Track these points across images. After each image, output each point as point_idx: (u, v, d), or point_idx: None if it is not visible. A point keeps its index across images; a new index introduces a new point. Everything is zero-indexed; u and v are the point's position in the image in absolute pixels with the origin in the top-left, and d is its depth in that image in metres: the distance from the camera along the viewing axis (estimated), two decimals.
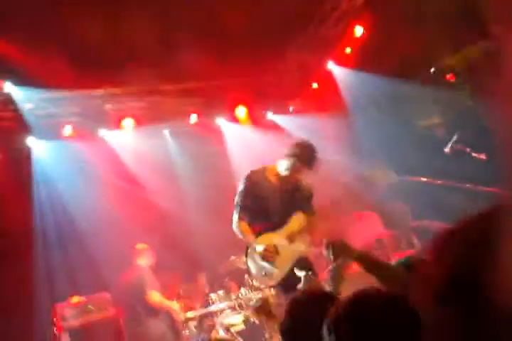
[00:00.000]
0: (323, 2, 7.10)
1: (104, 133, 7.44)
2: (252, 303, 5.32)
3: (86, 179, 6.74)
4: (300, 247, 4.69)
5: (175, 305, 6.33)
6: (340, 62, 7.70)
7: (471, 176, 4.62)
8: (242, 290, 6.52)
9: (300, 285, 3.50)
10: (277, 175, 4.81)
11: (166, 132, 7.90)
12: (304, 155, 4.69)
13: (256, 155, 7.96)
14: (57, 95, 6.82)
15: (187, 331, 6.16)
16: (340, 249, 2.82)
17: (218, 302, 6.42)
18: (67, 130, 7.10)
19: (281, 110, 8.31)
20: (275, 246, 4.61)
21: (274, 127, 8.18)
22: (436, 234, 1.17)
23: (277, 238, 4.68)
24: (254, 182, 4.79)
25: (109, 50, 6.56)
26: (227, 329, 6.08)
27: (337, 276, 2.83)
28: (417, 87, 7.01)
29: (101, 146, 7.30)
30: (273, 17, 7.10)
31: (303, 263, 4.59)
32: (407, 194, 6.90)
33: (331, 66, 7.80)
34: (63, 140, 7.08)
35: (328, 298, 2.24)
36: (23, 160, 6.80)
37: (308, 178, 4.88)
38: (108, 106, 7.35)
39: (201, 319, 6.35)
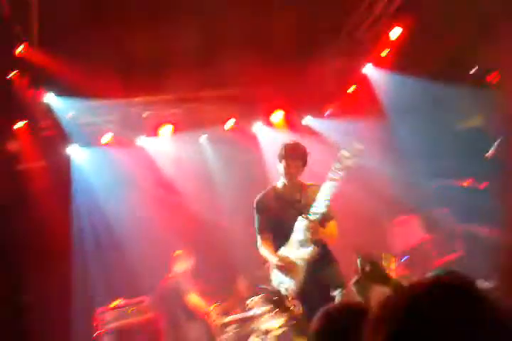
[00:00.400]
0: (359, 6, 7.03)
1: (142, 140, 7.54)
2: None
3: (124, 186, 6.85)
4: (304, 254, 4.52)
5: (212, 310, 6.34)
6: (377, 65, 7.60)
7: None
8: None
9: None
10: (283, 186, 4.76)
11: (203, 138, 7.94)
12: (291, 152, 4.66)
13: None
14: (96, 104, 6.95)
15: (224, 336, 6.14)
16: (375, 274, 2.64)
17: (257, 307, 6.40)
18: (107, 138, 7.23)
19: (318, 114, 8.24)
20: (288, 258, 4.52)
21: (311, 132, 8.12)
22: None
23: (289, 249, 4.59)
24: (264, 204, 4.74)
25: (147, 58, 6.67)
26: (265, 334, 6.06)
27: (365, 290, 2.72)
28: (457, 89, 6.85)
29: (139, 153, 7.40)
30: (309, 22, 7.08)
31: (335, 281, 4.52)
32: (449, 198, 6.75)
33: (368, 69, 7.70)
34: (102, 147, 7.21)
35: (362, 309, 2.17)
36: (63, 167, 6.95)
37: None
38: (146, 114, 7.45)
39: (239, 324, 6.33)
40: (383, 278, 2.64)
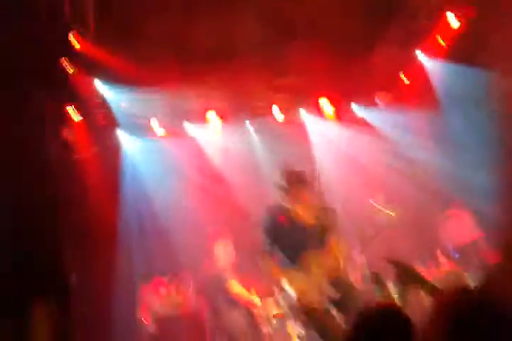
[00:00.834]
0: None
1: (190, 129, 7.59)
2: None
3: (172, 175, 6.92)
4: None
5: (256, 300, 6.32)
6: (433, 55, 7.34)
7: None
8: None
9: None
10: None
11: (251, 128, 7.92)
12: (293, 181, 4.77)
13: (340, 150, 7.81)
14: (146, 93, 7.03)
15: (270, 328, 6.10)
16: (410, 277, 2.65)
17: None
18: (155, 126, 7.32)
19: (369, 104, 8.05)
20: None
21: (360, 122, 7.95)
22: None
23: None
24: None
25: (196, 47, 6.69)
26: None
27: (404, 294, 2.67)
28: None
29: (187, 142, 7.47)
30: (362, 10, 6.92)
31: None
32: (503, 193, 6.49)
33: (423, 58, 7.45)
34: (151, 136, 7.31)
35: (398, 311, 2.11)
36: (113, 155, 7.10)
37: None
38: (195, 103, 7.49)
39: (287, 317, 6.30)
40: (419, 282, 2.60)
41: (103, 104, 6.93)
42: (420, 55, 7.45)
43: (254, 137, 7.89)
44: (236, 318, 6.12)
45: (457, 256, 6.80)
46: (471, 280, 6.03)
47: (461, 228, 6.96)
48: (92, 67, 6.57)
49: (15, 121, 5.60)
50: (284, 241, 4.77)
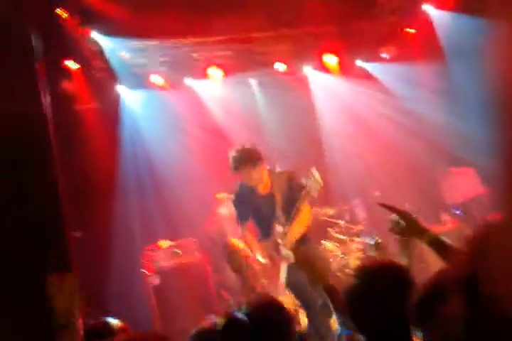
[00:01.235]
0: None
1: (191, 82, 7.45)
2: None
3: (171, 128, 6.83)
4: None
5: (257, 255, 6.36)
6: (439, 5, 7.10)
7: None
8: (327, 243, 6.47)
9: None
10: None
11: (253, 81, 7.77)
12: (239, 163, 4.85)
13: (343, 103, 7.69)
14: (145, 44, 6.86)
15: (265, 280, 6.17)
16: (411, 228, 2.47)
17: None
18: (155, 79, 7.18)
19: (373, 57, 7.86)
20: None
21: (365, 75, 7.79)
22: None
23: None
24: (242, 198, 5.09)
25: None
26: None
27: (406, 247, 2.60)
28: None
29: (188, 95, 7.34)
30: None
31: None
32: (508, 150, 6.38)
33: (428, 9, 7.21)
34: (151, 89, 7.18)
35: (403, 268, 2.07)
36: (113, 108, 7.00)
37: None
38: (196, 55, 7.32)
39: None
40: (419, 231, 2.49)
41: (102, 55, 6.77)
42: (426, 6, 7.21)
43: (256, 89, 7.75)
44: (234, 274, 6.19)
45: (459, 212, 6.78)
46: None
47: (465, 185, 6.92)
48: (90, 18, 6.37)
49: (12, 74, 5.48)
50: (254, 215, 4.98)
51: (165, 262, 6.21)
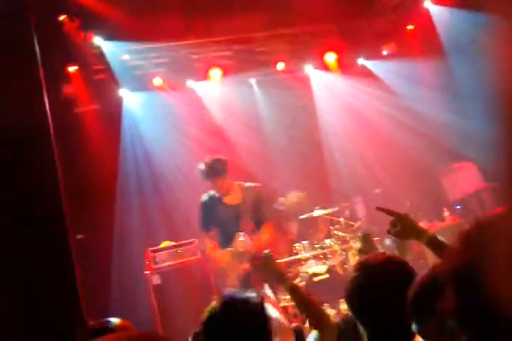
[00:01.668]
0: None
1: (191, 83, 7.48)
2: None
3: (172, 129, 6.87)
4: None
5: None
6: (438, 1, 7.07)
7: None
8: (327, 240, 6.49)
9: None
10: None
11: (253, 81, 7.79)
12: (214, 171, 5.03)
13: (344, 103, 7.69)
14: (146, 46, 6.91)
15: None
16: (408, 230, 2.53)
17: (303, 252, 6.44)
18: (157, 81, 7.22)
19: (374, 55, 7.84)
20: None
21: (366, 73, 7.78)
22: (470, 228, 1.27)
23: None
24: (208, 205, 5.35)
25: (196, 0, 6.52)
26: (311, 278, 6.11)
27: (403, 248, 2.61)
28: None
29: (188, 97, 7.37)
30: None
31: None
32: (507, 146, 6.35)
33: (429, 5, 7.19)
34: (153, 91, 7.22)
35: (407, 264, 2.07)
36: (114, 111, 7.05)
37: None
38: (196, 56, 7.35)
39: (286, 267, 6.40)
40: (416, 233, 2.53)
41: (103, 58, 6.81)
42: (426, 2, 7.19)
43: (256, 89, 7.77)
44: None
45: (459, 207, 6.76)
46: None
47: (465, 180, 6.90)
48: (91, 22, 6.43)
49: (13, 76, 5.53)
50: (218, 224, 5.17)
51: (166, 262, 6.24)
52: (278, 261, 6.32)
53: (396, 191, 6.85)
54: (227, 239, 5.09)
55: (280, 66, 7.63)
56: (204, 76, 7.43)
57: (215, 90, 7.47)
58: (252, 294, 2.11)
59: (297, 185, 6.90)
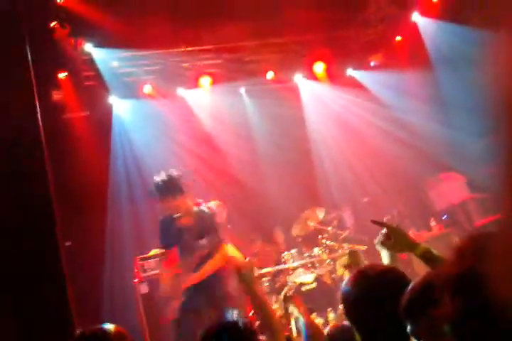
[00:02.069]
0: None
1: (181, 91, 7.50)
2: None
3: (162, 137, 6.86)
4: None
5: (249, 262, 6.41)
6: (426, 13, 7.20)
7: None
8: (315, 249, 6.53)
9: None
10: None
11: (243, 90, 7.83)
12: (162, 192, 4.66)
13: (333, 113, 7.77)
14: (136, 54, 6.92)
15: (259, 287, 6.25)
16: (401, 242, 2.56)
17: (291, 261, 6.47)
18: (147, 88, 7.22)
19: (363, 66, 7.95)
20: None
21: (354, 84, 7.87)
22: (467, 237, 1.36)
23: None
24: (168, 223, 4.92)
25: (185, 9, 6.54)
26: (299, 287, 6.14)
27: (392, 258, 2.66)
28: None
29: (178, 104, 7.39)
30: None
31: None
32: (496, 158, 6.46)
33: (416, 17, 7.32)
34: (142, 98, 7.22)
35: (400, 273, 2.11)
36: (104, 117, 7.03)
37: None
38: (186, 65, 7.38)
39: (274, 276, 6.43)
40: (409, 246, 2.56)
41: (93, 65, 6.81)
42: (414, 15, 7.32)
43: (246, 98, 7.81)
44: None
45: (445, 217, 6.84)
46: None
47: (451, 191, 6.99)
48: (82, 29, 6.43)
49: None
50: (175, 243, 4.83)
51: (154, 270, 6.22)
52: (265, 270, 6.42)
53: (384, 200, 6.92)
54: (183, 260, 4.78)
55: (269, 75, 7.68)
56: (194, 84, 7.46)
57: (205, 98, 7.49)
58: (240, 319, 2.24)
59: (285, 192, 6.94)
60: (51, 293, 5.08)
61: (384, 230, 2.63)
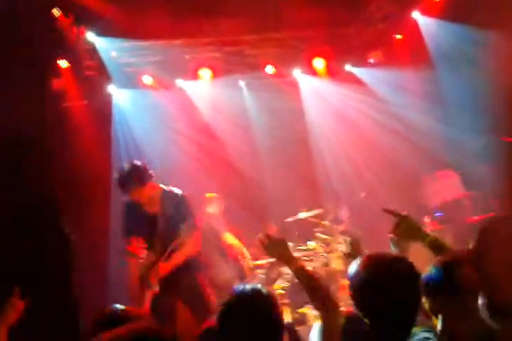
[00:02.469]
0: None
1: (181, 83, 7.52)
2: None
3: (162, 127, 6.89)
4: None
5: (246, 252, 6.49)
6: (427, 12, 7.26)
7: None
8: (311, 242, 6.61)
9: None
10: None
11: (242, 84, 7.87)
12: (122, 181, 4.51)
13: (332, 109, 7.83)
14: (137, 44, 6.93)
15: (254, 279, 6.32)
16: (411, 231, 2.66)
17: None
18: (147, 79, 7.25)
19: (362, 62, 8.00)
20: None
21: (353, 81, 7.93)
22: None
23: None
24: (131, 209, 4.74)
25: (188, 1, 6.57)
26: (293, 279, 6.22)
27: (401, 247, 2.73)
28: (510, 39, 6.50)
29: (178, 96, 7.42)
30: None
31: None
32: (493, 156, 6.57)
33: (417, 16, 7.38)
34: (142, 88, 7.24)
35: (410, 263, 2.17)
36: (104, 107, 7.05)
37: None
38: (187, 56, 7.41)
39: (269, 268, 6.50)
40: (419, 234, 2.66)
41: (95, 54, 6.83)
42: (415, 13, 7.38)
43: (245, 92, 7.85)
44: (226, 269, 6.27)
45: (439, 214, 6.93)
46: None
47: (446, 188, 7.08)
48: (84, 17, 6.43)
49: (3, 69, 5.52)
50: (139, 232, 4.64)
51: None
52: (261, 261, 6.49)
53: (380, 196, 6.99)
54: (148, 249, 4.59)
55: (269, 69, 7.72)
56: (194, 76, 7.49)
57: (205, 90, 7.52)
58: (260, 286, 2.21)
59: (281, 184, 7.00)
60: (57, 283, 5.09)
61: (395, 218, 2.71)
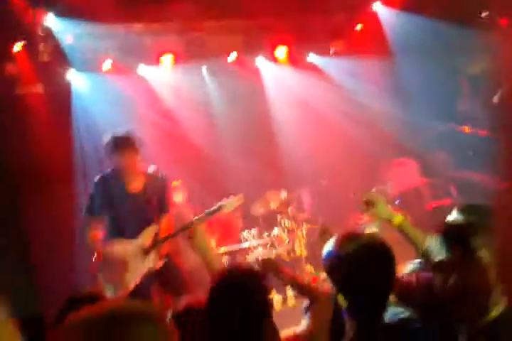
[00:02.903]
0: None
1: (142, 68, 7.40)
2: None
3: (123, 113, 6.74)
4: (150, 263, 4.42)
5: (212, 240, 6.50)
6: (387, 3, 7.41)
7: None
8: (275, 229, 6.69)
9: None
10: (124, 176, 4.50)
11: (204, 69, 7.81)
12: (124, 145, 4.35)
13: (293, 96, 7.89)
14: (97, 29, 6.75)
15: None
16: (381, 211, 2.79)
17: (251, 240, 6.60)
18: (107, 64, 7.07)
19: (323, 52, 8.08)
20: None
21: (315, 69, 8.01)
22: None
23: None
24: (103, 186, 4.60)
25: None
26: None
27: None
28: (467, 32, 6.71)
29: (139, 82, 7.29)
30: None
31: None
32: (449, 143, 6.81)
33: (377, 7, 7.51)
34: (103, 74, 7.07)
35: (374, 235, 2.23)
36: (63, 93, 6.85)
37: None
38: (148, 42, 7.27)
39: (234, 255, 6.54)
40: (389, 215, 2.78)
41: (50, 37, 6.59)
42: (376, 4, 7.50)
43: (208, 78, 7.79)
44: (192, 257, 6.25)
45: (398, 201, 7.14)
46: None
47: (406, 175, 7.28)
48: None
49: None
50: (113, 212, 4.48)
51: None
52: (225, 249, 6.51)
53: (341, 183, 7.13)
54: (121, 232, 4.38)
55: (231, 56, 7.68)
56: (155, 61, 7.36)
57: (166, 76, 7.42)
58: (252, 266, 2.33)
59: (245, 170, 7.02)
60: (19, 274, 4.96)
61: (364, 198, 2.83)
